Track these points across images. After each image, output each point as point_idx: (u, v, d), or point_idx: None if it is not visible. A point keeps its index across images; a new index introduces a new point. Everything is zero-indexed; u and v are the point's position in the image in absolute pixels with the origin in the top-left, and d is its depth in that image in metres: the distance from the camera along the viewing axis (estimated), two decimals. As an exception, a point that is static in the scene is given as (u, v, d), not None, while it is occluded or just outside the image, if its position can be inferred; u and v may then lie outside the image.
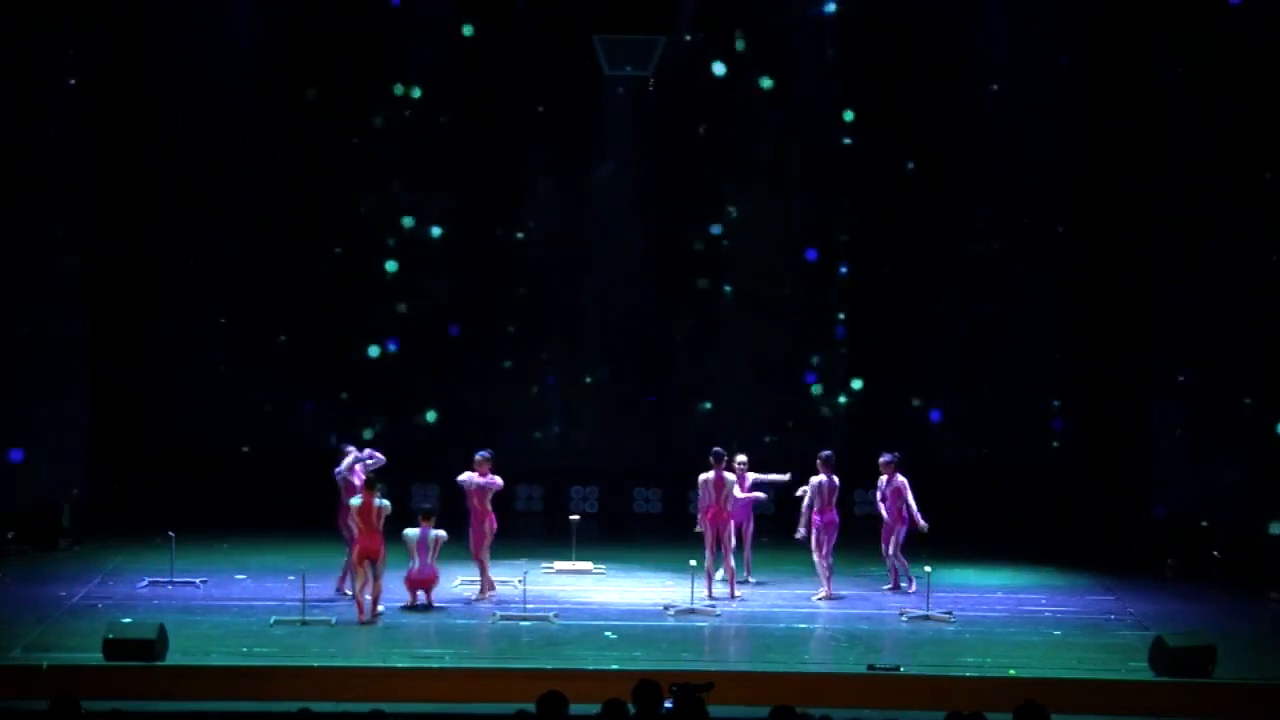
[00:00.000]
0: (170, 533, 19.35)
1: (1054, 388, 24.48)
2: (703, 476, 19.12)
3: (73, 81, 22.19)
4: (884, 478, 19.57)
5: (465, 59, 24.30)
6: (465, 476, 18.91)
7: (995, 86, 24.07)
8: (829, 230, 24.68)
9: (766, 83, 24.19)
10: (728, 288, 24.71)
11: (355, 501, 17.96)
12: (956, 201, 24.40)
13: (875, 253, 24.64)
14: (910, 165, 24.21)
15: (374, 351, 24.32)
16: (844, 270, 24.60)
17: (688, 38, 24.01)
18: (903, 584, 19.59)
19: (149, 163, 24.22)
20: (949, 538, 22.31)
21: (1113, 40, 23.32)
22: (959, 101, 24.21)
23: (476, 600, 18.79)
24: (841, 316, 24.65)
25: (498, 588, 18.98)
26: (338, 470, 18.83)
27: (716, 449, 19.32)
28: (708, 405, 24.71)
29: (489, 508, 18.82)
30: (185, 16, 24.03)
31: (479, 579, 18.98)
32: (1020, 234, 24.40)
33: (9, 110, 21.59)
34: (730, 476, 19.14)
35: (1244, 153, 21.22)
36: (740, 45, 24.03)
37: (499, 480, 18.89)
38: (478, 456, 18.88)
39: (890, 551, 19.49)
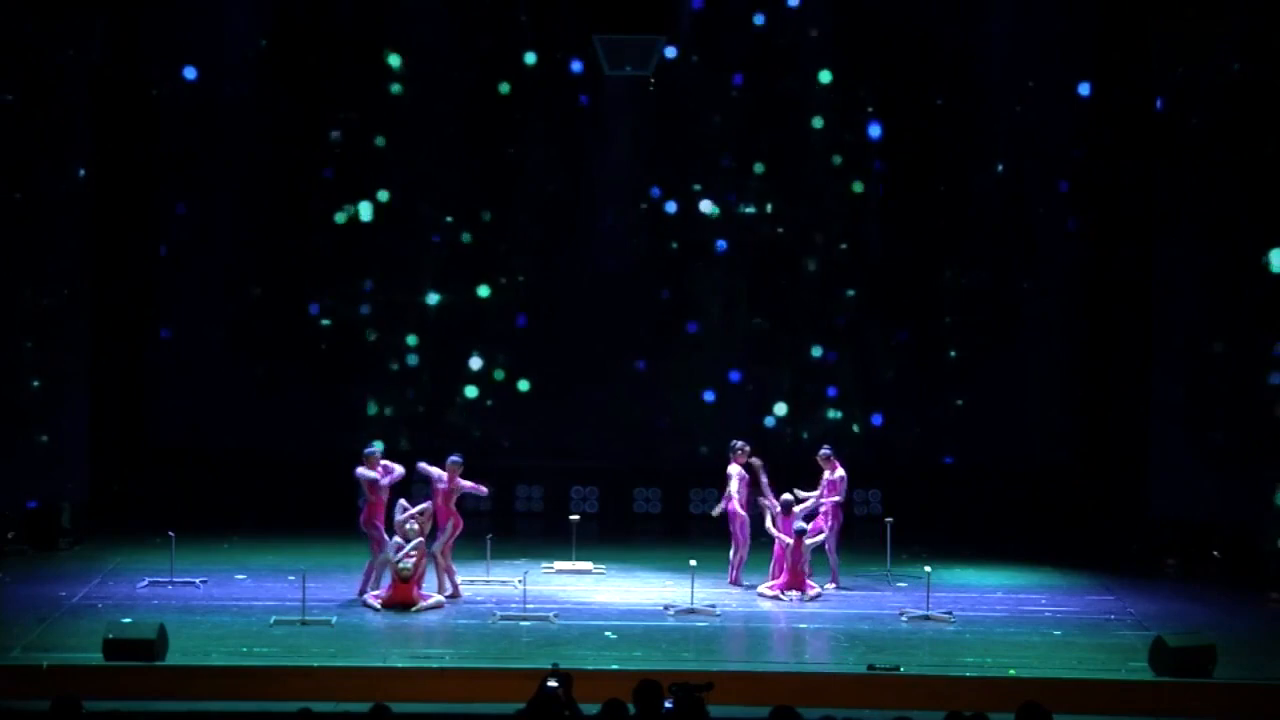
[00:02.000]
0: (170, 533, 19.35)
1: (1056, 388, 24.45)
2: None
3: (72, 77, 22.21)
4: (828, 471, 19.42)
5: (466, 58, 24.31)
6: (435, 473, 18.93)
7: (996, 87, 24.13)
8: (830, 231, 24.69)
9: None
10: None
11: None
12: (959, 203, 24.38)
13: (876, 253, 24.64)
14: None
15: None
16: (834, 270, 24.68)
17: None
18: (831, 584, 19.45)
19: (149, 162, 24.21)
20: (949, 537, 22.41)
21: (1116, 41, 23.31)
22: (961, 106, 24.21)
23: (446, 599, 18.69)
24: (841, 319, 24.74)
25: (462, 592, 18.91)
26: (360, 472, 18.78)
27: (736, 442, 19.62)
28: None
29: (452, 508, 18.85)
30: (185, 16, 24.04)
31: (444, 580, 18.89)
32: (1022, 235, 24.37)
33: (9, 110, 21.57)
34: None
35: (1249, 154, 21.18)
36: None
37: (447, 479, 18.87)
38: (450, 461, 18.91)
39: (832, 546, 19.40)
